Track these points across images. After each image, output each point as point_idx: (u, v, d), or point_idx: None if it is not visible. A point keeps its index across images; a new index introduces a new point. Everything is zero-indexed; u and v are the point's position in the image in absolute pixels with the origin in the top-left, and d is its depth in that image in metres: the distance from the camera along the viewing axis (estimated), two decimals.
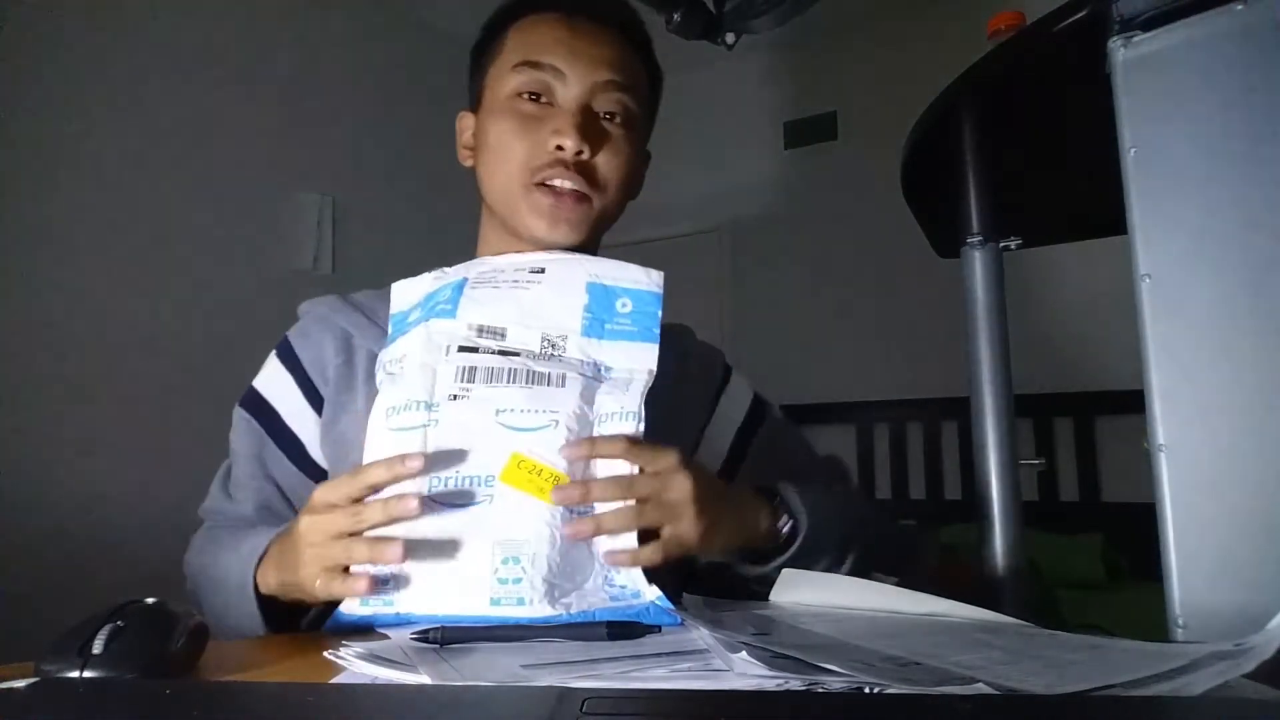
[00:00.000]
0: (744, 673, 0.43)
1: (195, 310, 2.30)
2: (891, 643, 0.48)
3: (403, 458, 0.56)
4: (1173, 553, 0.62)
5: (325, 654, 0.48)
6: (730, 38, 0.95)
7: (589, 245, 0.75)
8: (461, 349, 0.62)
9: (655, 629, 0.56)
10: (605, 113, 0.71)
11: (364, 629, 0.58)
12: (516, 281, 0.66)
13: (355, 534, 0.56)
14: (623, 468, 0.59)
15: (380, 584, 0.56)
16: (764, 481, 0.72)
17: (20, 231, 2.01)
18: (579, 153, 0.68)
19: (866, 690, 0.38)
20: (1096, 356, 2.55)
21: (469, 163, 0.79)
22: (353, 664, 0.46)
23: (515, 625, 0.55)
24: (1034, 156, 1.07)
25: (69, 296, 2.09)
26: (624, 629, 0.54)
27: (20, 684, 0.42)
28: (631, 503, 0.58)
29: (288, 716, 0.38)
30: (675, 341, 0.80)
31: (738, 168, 3.43)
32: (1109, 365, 2.48)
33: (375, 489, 0.57)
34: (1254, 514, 0.59)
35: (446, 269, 0.70)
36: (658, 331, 0.65)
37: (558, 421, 0.59)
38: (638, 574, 0.59)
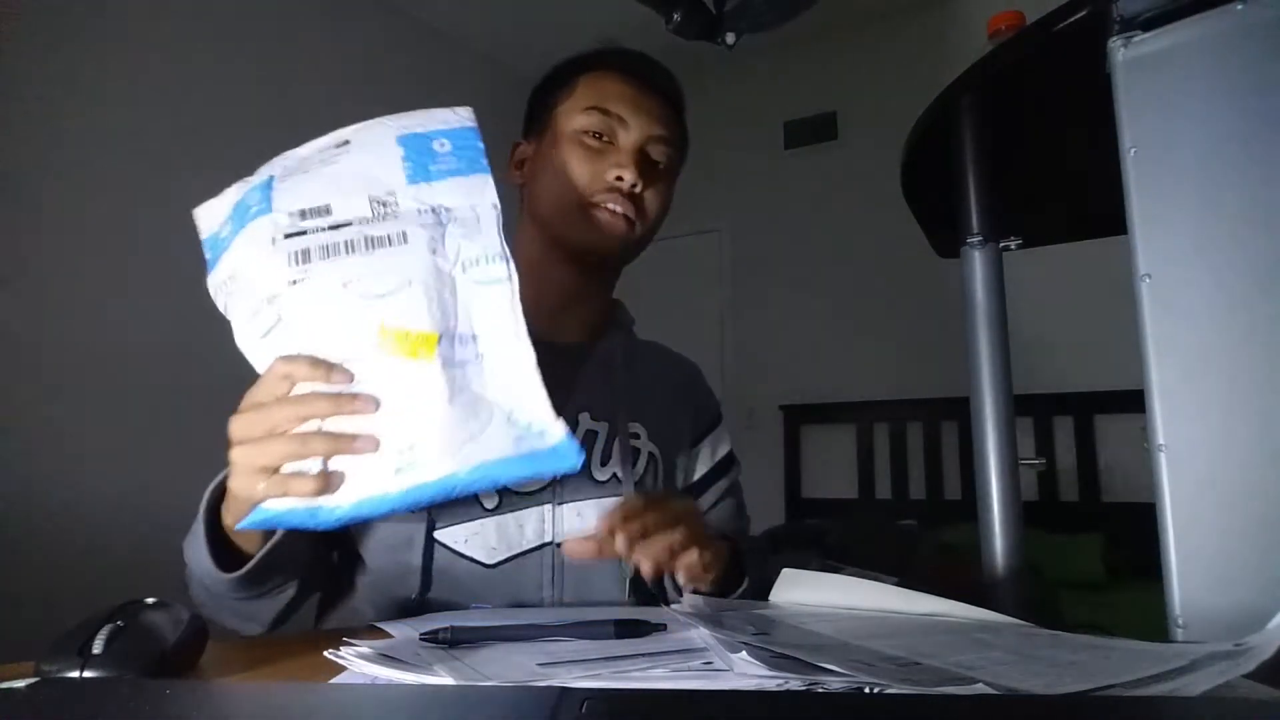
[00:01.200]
0: (744, 673, 0.43)
1: (196, 311, 2.29)
2: (891, 643, 0.48)
3: (331, 366, 0.54)
4: (1173, 553, 0.62)
5: (325, 654, 0.48)
6: (730, 38, 0.95)
7: (619, 266, 0.90)
8: (288, 236, 0.57)
9: (661, 626, 0.56)
10: (651, 160, 0.85)
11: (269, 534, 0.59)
12: (325, 160, 0.61)
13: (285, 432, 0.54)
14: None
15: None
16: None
17: (20, 232, 2.01)
18: (634, 185, 0.81)
19: (866, 690, 0.38)
20: (1096, 356, 2.55)
21: (518, 182, 0.91)
22: (353, 664, 0.46)
23: (524, 625, 0.55)
24: (1034, 156, 1.07)
25: (69, 297, 2.09)
26: (630, 628, 0.54)
27: (20, 684, 0.42)
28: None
29: (288, 716, 0.38)
30: (689, 374, 0.99)
31: (738, 168, 3.43)
32: (1109, 365, 2.48)
33: (291, 383, 0.55)
34: (1254, 514, 0.59)
35: (247, 178, 0.64)
36: (486, 162, 0.62)
37: (411, 281, 0.56)
38: (544, 409, 0.56)
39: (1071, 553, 2.17)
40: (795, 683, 0.40)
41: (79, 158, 2.13)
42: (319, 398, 0.53)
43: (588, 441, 0.81)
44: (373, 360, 0.54)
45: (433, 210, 0.59)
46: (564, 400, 0.79)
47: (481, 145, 0.62)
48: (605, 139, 0.83)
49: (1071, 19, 0.73)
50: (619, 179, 0.81)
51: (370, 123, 0.65)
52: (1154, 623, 0.64)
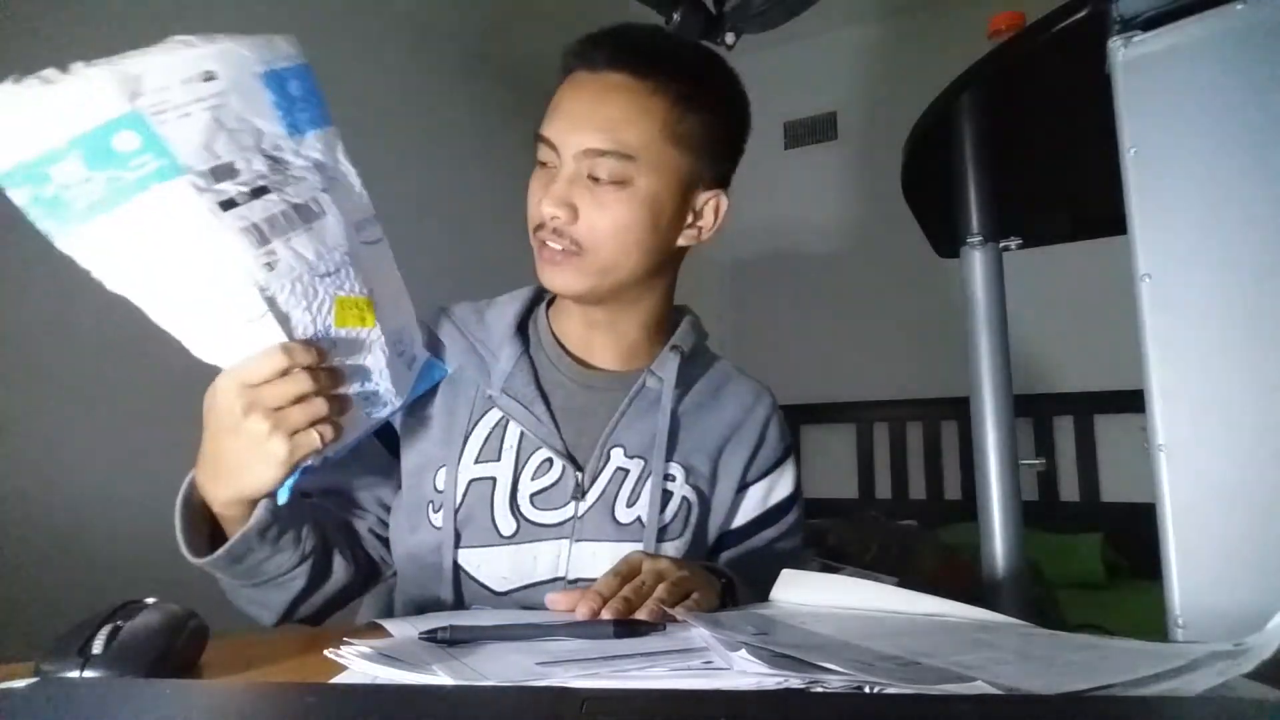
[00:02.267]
0: (743, 671, 0.43)
1: None
2: (891, 642, 0.48)
3: (312, 345, 0.59)
4: (1173, 553, 0.62)
5: (326, 653, 0.48)
6: (730, 38, 0.95)
7: (608, 292, 0.78)
8: (224, 207, 0.53)
9: (659, 627, 0.56)
10: (592, 176, 0.73)
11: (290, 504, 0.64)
12: (200, 98, 0.56)
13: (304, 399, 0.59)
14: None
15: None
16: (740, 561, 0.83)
17: (20, 232, 2.01)
18: (553, 217, 0.73)
19: (866, 690, 0.38)
20: (1096, 356, 2.55)
21: None
22: (353, 663, 0.46)
23: (522, 625, 0.56)
24: (1034, 156, 1.07)
25: (69, 297, 2.09)
26: (629, 627, 0.55)
27: (20, 684, 0.42)
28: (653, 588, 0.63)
29: (288, 716, 0.38)
30: (756, 410, 0.86)
31: (738, 168, 3.43)
32: (1109, 365, 2.48)
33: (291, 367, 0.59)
34: (1254, 514, 0.59)
35: (46, 73, 0.50)
36: (328, 109, 0.65)
37: (345, 253, 0.60)
38: (412, 335, 0.70)
39: (1071, 553, 2.17)
40: (795, 682, 0.40)
41: None
42: (321, 373, 0.60)
43: (615, 479, 0.77)
44: (337, 332, 0.61)
45: (316, 167, 0.61)
46: (597, 431, 0.78)
47: (317, 85, 0.63)
48: (549, 165, 0.75)
49: (1071, 19, 0.73)
50: (544, 215, 0.73)
51: (219, 46, 0.60)
52: (1154, 623, 0.64)
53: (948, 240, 1.14)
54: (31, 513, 1.94)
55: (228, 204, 0.54)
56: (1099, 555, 2.17)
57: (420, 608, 0.76)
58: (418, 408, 0.78)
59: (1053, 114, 0.95)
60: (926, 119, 1.00)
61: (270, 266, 0.55)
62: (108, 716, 0.38)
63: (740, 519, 0.86)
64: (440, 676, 0.43)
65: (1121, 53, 0.68)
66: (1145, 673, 0.39)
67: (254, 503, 0.63)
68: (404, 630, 0.56)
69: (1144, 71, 0.67)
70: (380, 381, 0.65)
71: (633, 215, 0.73)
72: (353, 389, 0.64)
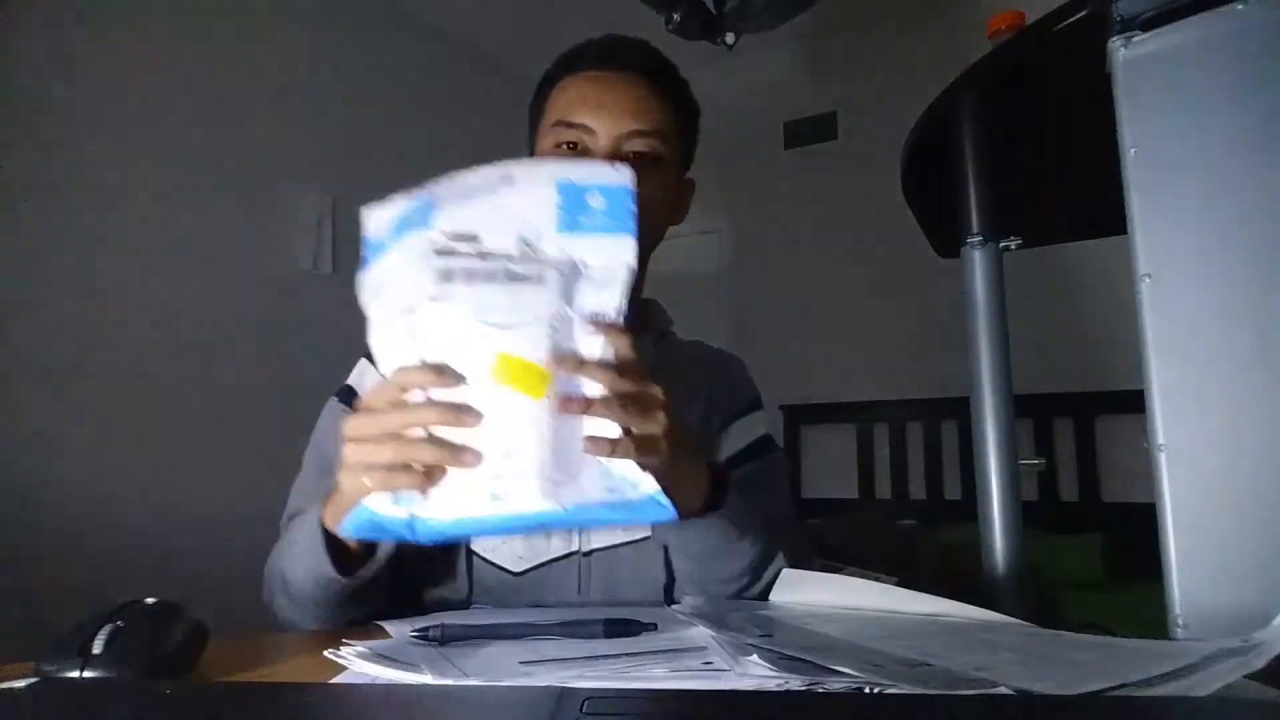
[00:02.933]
0: (744, 672, 0.43)
1: (196, 310, 2.30)
2: (898, 643, 0.48)
3: (438, 370, 0.58)
4: (1173, 552, 0.62)
5: (325, 653, 0.48)
6: (730, 38, 0.95)
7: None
8: (438, 253, 0.62)
9: (651, 626, 0.56)
10: (633, 153, 0.80)
11: (369, 545, 0.61)
12: (487, 190, 0.66)
13: (398, 436, 0.57)
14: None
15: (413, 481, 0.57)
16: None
17: (20, 232, 2.01)
18: None
19: (868, 690, 0.38)
20: (1096, 356, 2.55)
21: None
22: (353, 663, 0.46)
23: (514, 624, 0.56)
24: (1034, 156, 1.07)
25: (69, 297, 2.09)
26: (621, 626, 0.55)
27: (20, 684, 0.42)
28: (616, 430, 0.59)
29: (288, 716, 0.38)
30: (726, 365, 0.93)
31: (738, 168, 3.43)
32: (1109, 365, 2.48)
33: (405, 391, 0.58)
34: (1254, 514, 0.59)
35: (415, 189, 0.70)
36: (634, 225, 0.65)
37: (539, 318, 0.60)
38: (633, 465, 0.59)
39: (1071, 553, 2.17)
40: (796, 682, 0.40)
41: (79, 158, 2.13)
42: (429, 406, 0.57)
43: None
44: (487, 386, 0.57)
45: (573, 263, 0.63)
46: None
47: (633, 208, 0.65)
48: (578, 149, 0.80)
49: (1071, 19, 0.73)
50: None
51: (533, 161, 0.70)
52: (1154, 623, 0.64)
53: (948, 240, 1.14)
54: (31, 513, 1.94)
55: (445, 252, 0.61)
56: (1099, 555, 2.17)
57: (431, 601, 0.77)
58: None
59: (1053, 114, 0.95)
60: (926, 119, 1.00)
61: (435, 299, 0.59)
62: (108, 716, 0.38)
63: (725, 454, 0.88)
64: (424, 675, 0.43)
65: (1121, 53, 0.68)
66: (1157, 671, 0.39)
67: None
68: (400, 630, 0.56)
69: (1144, 71, 0.67)
70: (522, 464, 0.56)
71: (664, 189, 0.83)
72: (486, 456, 0.56)
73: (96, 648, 0.44)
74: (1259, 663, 0.38)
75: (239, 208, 2.47)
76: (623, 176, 0.67)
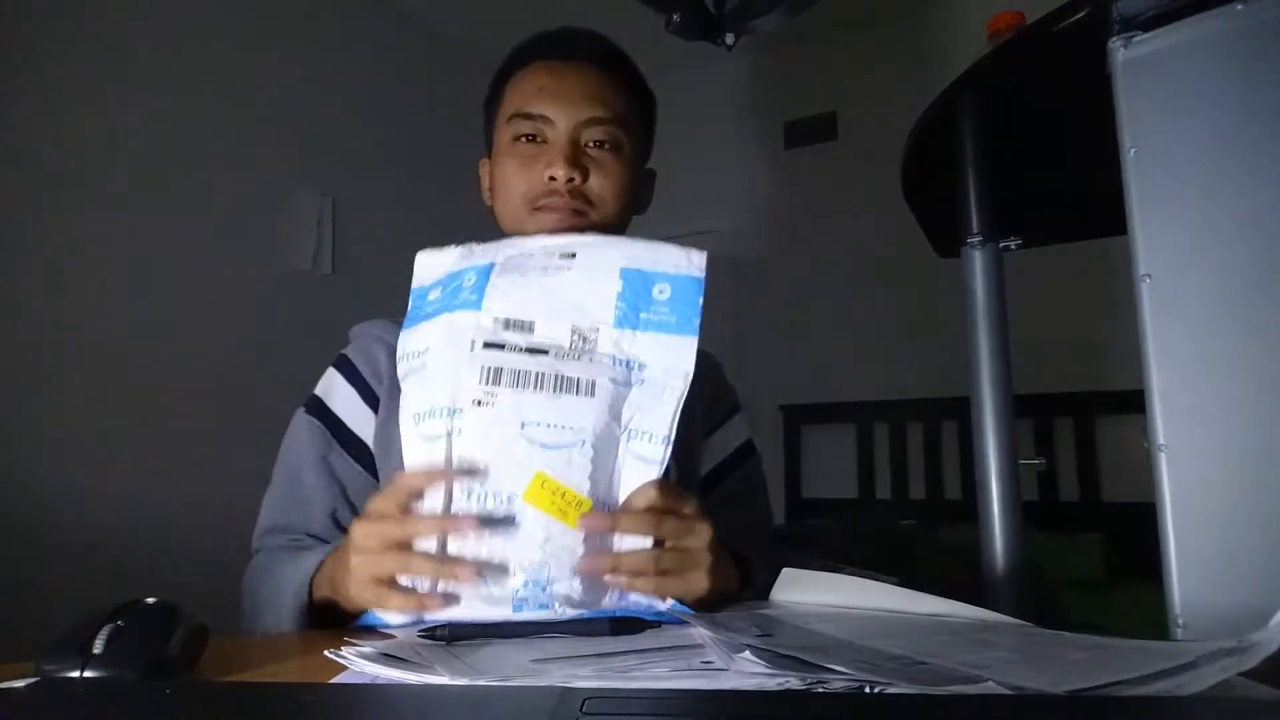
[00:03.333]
0: (744, 671, 0.43)
1: (196, 310, 2.30)
2: (896, 642, 0.48)
3: (441, 473, 0.58)
4: (1173, 552, 0.62)
5: (326, 653, 0.48)
6: (730, 38, 0.95)
7: None
8: (487, 345, 0.59)
9: (655, 624, 0.57)
10: (593, 142, 0.79)
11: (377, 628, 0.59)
12: (546, 268, 0.63)
13: (404, 546, 0.58)
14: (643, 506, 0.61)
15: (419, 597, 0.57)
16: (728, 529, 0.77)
17: (20, 232, 2.01)
18: (570, 179, 0.77)
19: (868, 690, 0.38)
20: (1096, 356, 2.55)
21: (490, 204, 0.87)
22: (354, 663, 0.46)
23: (521, 622, 0.56)
24: (1034, 156, 1.07)
25: (69, 297, 2.09)
26: (627, 624, 0.55)
27: (20, 684, 0.42)
28: (649, 544, 0.60)
29: (288, 716, 0.38)
30: (701, 360, 0.85)
31: (738, 168, 3.43)
32: (1109, 365, 2.48)
33: (416, 495, 0.59)
34: (1254, 514, 0.59)
35: (474, 245, 0.67)
36: (698, 323, 0.62)
37: (584, 441, 0.57)
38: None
39: (1071, 553, 2.17)
40: (795, 682, 0.40)
41: (79, 157, 2.13)
42: (429, 520, 0.58)
43: None
44: (521, 503, 0.56)
45: (626, 364, 0.60)
46: None
47: (699, 302, 0.62)
48: (538, 140, 0.79)
49: (1071, 19, 0.73)
50: (551, 178, 0.77)
51: (601, 240, 0.67)
52: (1154, 623, 0.64)
53: (948, 240, 1.14)
54: (32, 513, 1.94)
55: (494, 345, 0.60)
56: (1099, 555, 2.17)
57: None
58: (392, 413, 0.77)
59: (1053, 114, 0.95)
60: (926, 119, 1.00)
61: (479, 404, 0.58)
62: (108, 716, 0.38)
63: (706, 466, 0.88)
64: (439, 675, 0.43)
65: (1121, 53, 0.68)
66: (1150, 670, 0.39)
67: None
68: (404, 629, 0.56)
69: (1144, 71, 0.67)
70: (550, 586, 0.56)
71: (626, 177, 0.81)
72: (513, 565, 0.56)
73: (96, 648, 0.44)
74: (1252, 662, 0.38)
75: (239, 208, 2.47)
76: (695, 266, 0.63)
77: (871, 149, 3.04)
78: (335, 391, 0.82)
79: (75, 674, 0.43)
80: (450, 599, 0.57)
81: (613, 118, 0.80)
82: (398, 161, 2.95)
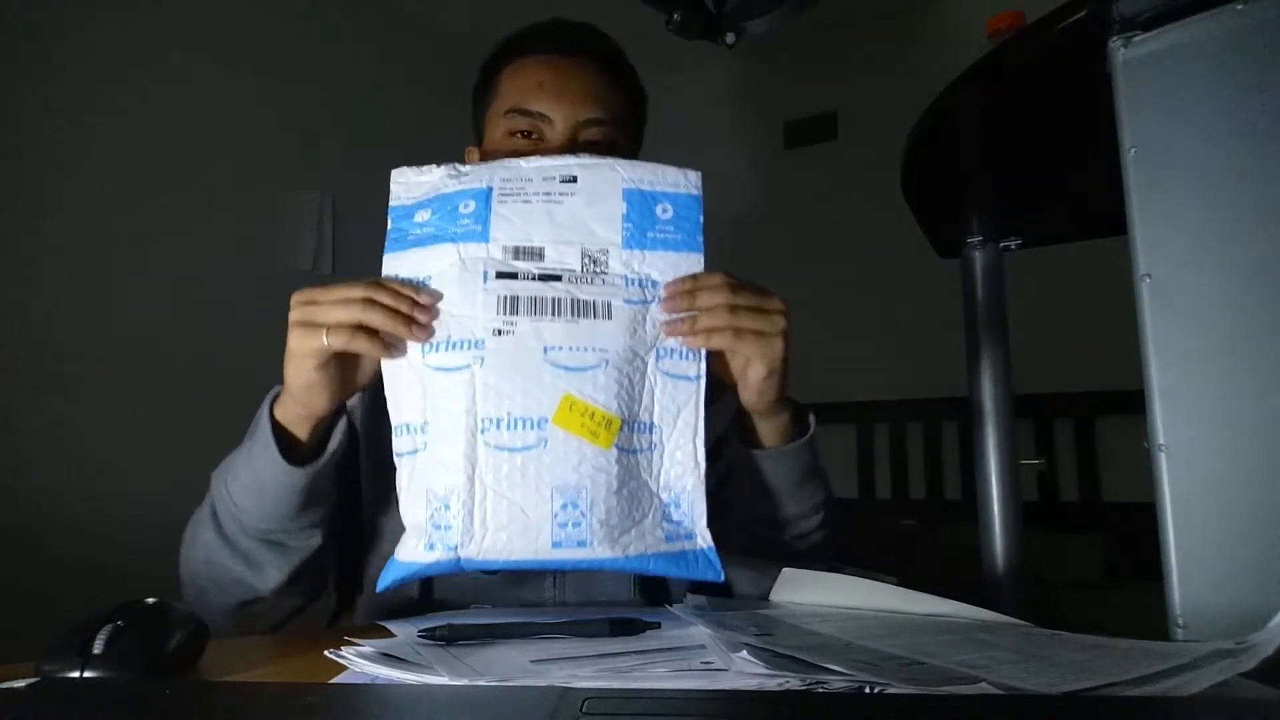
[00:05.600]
0: (743, 671, 0.43)
1: (196, 310, 2.30)
2: (893, 642, 0.48)
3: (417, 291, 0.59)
4: (1173, 553, 0.62)
5: (326, 653, 0.48)
6: (730, 37, 0.95)
7: None
8: (500, 275, 0.59)
9: (655, 625, 0.56)
10: (588, 142, 0.78)
11: (411, 593, 0.61)
12: (549, 194, 0.63)
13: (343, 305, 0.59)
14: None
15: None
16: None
17: (18, 231, 2.01)
18: None
19: (868, 690, 0.38)
20: (1096, 356, 2.54)
21: None
22: (353, 663, 0.46)
23: (520, 622, 0.56)
24: (1034, 156, 1.07)
25: (68, 297, 2.09)
26: (627, 625, 0.55)
27: (20, 684, 0.42)
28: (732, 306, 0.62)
29: (288, 716, 0.38)
30: None
31: (738, 168, 3.43)
32: (1109, 365, 2.48)
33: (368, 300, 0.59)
34: (1254, 514, 0.59)
35: (459, 166, 0.66)
36: (701, 240, 0.64)
37: (607, 361, 0.58)
38: (698, 511, 0.60)
39: (1071, 553, 2.17)
40: (795, 682, 0.40)
41: (78, 157, 2.13)
42: (384, 291, 0.58)
43: None
44: (551, 428, 0.56)
45: (639, 283, 0.61)
46: None
47: (701, 219, 0.64)
48: (534, 136, 0.78)
49: (1071, 19, 0.73)
50: None
51: (601, 162, 0.66)
52: (1154, 623, 0.64)
53: (948, 240, 1.14)
54: (31, 513, 1.94)
55: (506, 274, 0.59)
56: (1099, 555, 2.17)
57: (389, 608, 0.76)
58: (381, 412, 0.77)
59: (1053, 114, 0.95)
60: (926, 119, 1.00)
61: (499, 333, 0.58)
62: (108, 716, 0.38)
63: (719, 428, 0.87)
64: (439, 675, 0.43)
65: (1121, 53, 0.68)
66: (1146, 671, 0.39)
67: (316, 424, 0.65)
68: (404, 630, 0.56)
69: (1144, 71, 0.67)
70: (585, 512, 0.56)
71: None
72: (547, 507, 0.56)
73: (97, 648, 0.44)
74: (1250, 663, 0.38)
75: (239, 208, 2.47)
76: (692, 184, 0.65)
77: (871, 149, 3.03)
78: None
79: (75, 674, 0.43)
80: (463, 529, 0.55)
81: (610, 118, 0.79)
82: (398, 161, 2.93)
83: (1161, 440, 0.63)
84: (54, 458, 2.02)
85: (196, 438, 2.29)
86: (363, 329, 0.59)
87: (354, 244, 2.77)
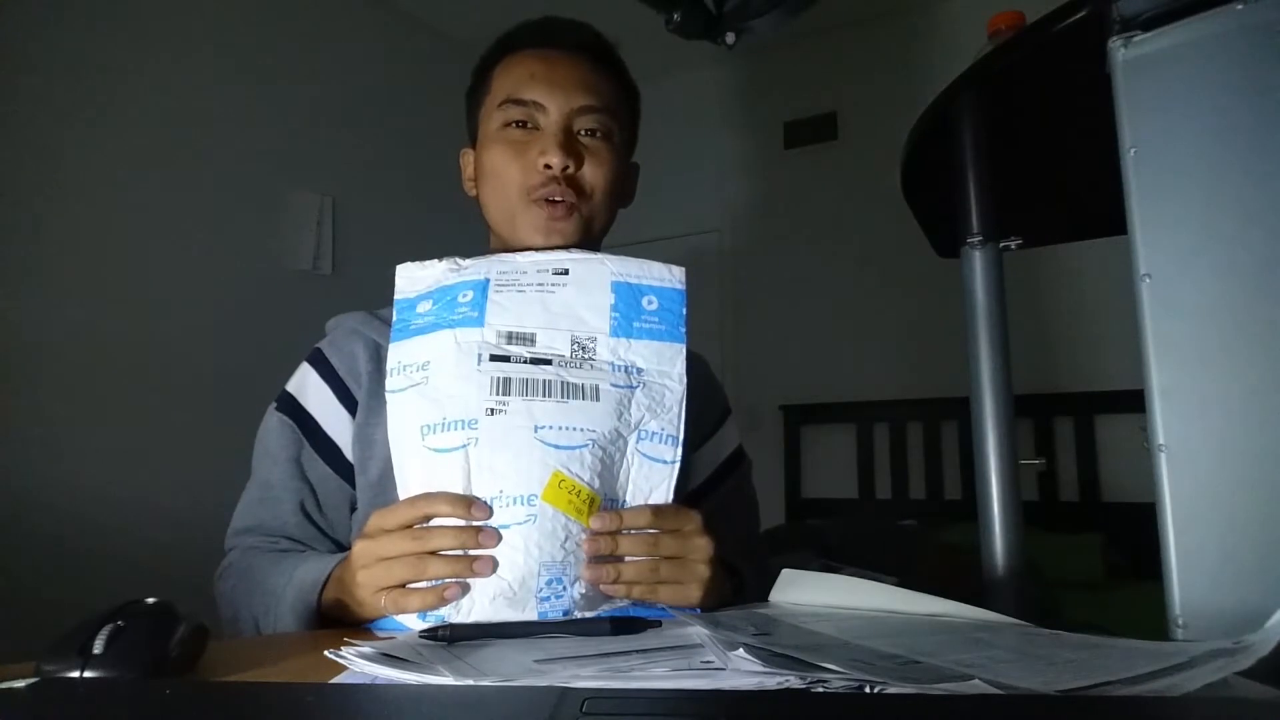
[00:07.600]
0: (744, 671, 0.43)
1: (196, 310, 2.30)
2: (891, 642, 0.48)
3: (471, 501, 0.58)
4: (1173, 553, 0.62)
5: (326, 653, 0.48)
6: (730, 38, 0.95)
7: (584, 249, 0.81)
8: (494, 358, 0.62)
9: (656, 623, 0.57)
10: (585, 130, 0.79)
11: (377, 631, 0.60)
12: (542, 285, 0.66)
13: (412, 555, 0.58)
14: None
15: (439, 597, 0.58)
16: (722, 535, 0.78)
17: (18, 231, 2.01)
18: (565, 168, 0.76)
19: (866, 690, 0.38)
20: (1096, 356, 2.55)
21: (473, 193, 0.86)
22: (354, 663, 0.46)
23: (521, 622, 0.56)
24: (1034, 156, 1.07)
25: (68, 296, 2.09)
26: (627, 624, 0.55)
27: (20, 684, 0.42)
28: (654, 559, 0.63)
29: (288, 716, 0.38)
30: (691, 365, 0.85)
31: (738, 168, 3.43)
32: (1109, 365, 2.48)
33: (426, 519, 0.59)
34: (1254, 514, 0.59)
35: (460, 260, 0.69)
36: (684, 331, 0.67)
37: (594, 441, 0.60)
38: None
39: (1071, 553, 2.17)
40: (794, 682, 0.40)
41: (77, 157, 2.13)
42: (445, 531, 0.58)
43: None
44: (540, 504, 0.58)
45: (625, 369, 0.64)
46: None
47: (684, 312, 0.67)
48: (529, 126, 0.78)
49: (1071, 19, 0.73)
50: (546, 166, 0.76)
51: (590, 257, 0.70)
52: (1154, 623, 0.64)
53: (948, 240, 1.14)
54: (31, 513, 1.94)
55: (499, 357, 0.62)
56: (1099, 555, 2.16)
57: None
58: (373, 413, 0.77)
59: (1053, 114, 0.95)
60: (926, 119, 1.00)
61: (493, 412, 0.60)
62: (108, 716, 0.38)
63: (698, 478, 0.87)
64: (441, 675, 0.43)
65: (1121, 53, 0.68)
66: (1143, 670, 0.39)
67: None
68: (404, 630, 0.56)
69: (1144, 71, 0.67)
70: (566, 585, 0.58)
71: (615, 166, 0.81)
72: (530, 581, 0.58)
73: (97, 648, 0.44)
74: (1247, 663, 0.38)
75: (238, 207, 2.47)
76: (676, 279, 0.68)
77: (871, 149, 3.04)
78: (309, 389, 0.81)
79: (75, 674, 0.43)
80: (456, 591, 0.57)
81: (604, 106, 0.79)
82: (398, 161, 2.95)
83: (1161, 440, 0.63)
84: (54, 457, 2.02)
85: (197, 437, 2.30)
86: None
87: (354, 244, 2.77)
